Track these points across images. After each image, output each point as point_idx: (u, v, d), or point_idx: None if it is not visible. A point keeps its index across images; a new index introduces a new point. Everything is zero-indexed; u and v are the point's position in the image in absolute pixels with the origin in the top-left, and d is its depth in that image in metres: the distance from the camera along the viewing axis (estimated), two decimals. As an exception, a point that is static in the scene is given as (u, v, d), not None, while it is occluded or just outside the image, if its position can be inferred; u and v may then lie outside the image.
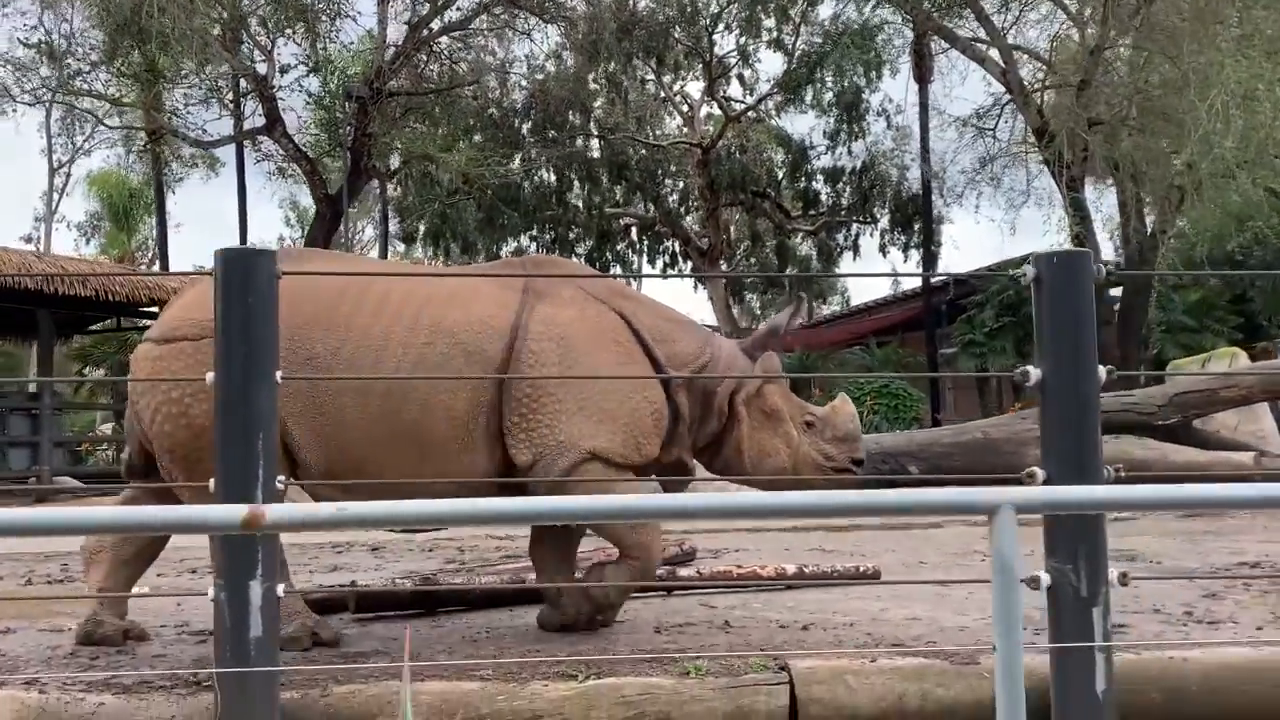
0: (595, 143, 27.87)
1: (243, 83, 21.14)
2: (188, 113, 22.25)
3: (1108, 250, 20.65)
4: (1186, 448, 9.01)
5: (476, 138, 24.33)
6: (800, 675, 3.21)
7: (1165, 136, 16.76)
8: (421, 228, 27.36)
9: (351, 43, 22.46)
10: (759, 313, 38.22)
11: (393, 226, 26.84)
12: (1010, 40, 19.52)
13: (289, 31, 21.55)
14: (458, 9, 22.21)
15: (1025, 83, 18.61)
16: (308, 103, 22.52)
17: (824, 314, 34.77)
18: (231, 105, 21.62)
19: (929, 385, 21.09)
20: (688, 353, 4.43)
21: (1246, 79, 14.60)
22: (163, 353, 4.09)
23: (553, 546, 4.46)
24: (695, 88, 28.77)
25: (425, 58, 23.11)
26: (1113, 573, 2.79)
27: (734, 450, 4.47)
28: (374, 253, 32.08)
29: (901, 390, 19.91)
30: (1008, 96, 19.38)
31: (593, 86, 25.07)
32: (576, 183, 27.79)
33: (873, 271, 33.47)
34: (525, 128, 24.60)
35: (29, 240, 41.55)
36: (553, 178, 27.59)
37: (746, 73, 27.86)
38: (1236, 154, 14.98)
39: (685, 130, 29.18)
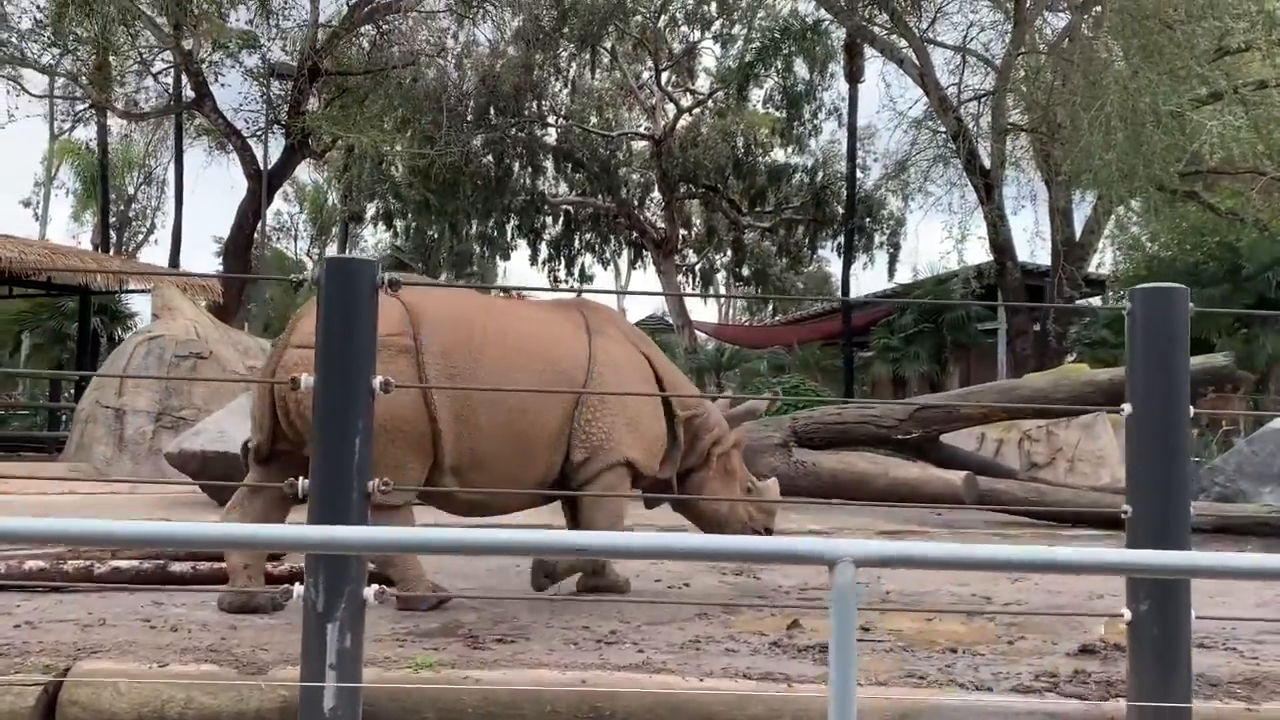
0: (552, 131, 27.88)
1: (173, 56, 21.21)
2: (126, 83, 22.47)
3: (1025, 254, 20.39)
4: (909, 462, 8.92)
5: (426, 121, 24.35)
6: (73, 677, 3.20)
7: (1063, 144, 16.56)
8: (370, 207, 27.50)
9: (290, 22, 22.45)
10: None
11: (336, 203, 26.88)
12: (945, 40, 19.39)
13: (241, 6, 21.72)
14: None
15: (940, 86, 18.37)
16: (244, 79, 22.62)
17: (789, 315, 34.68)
18: (160, 79, 21.72)
19: (843, 387, 21.00)
20: (689, 401, 5.78)
21: (1133, 93, 14.39)
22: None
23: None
24: (662, 78, 28.71)
25: (365, 38, 23.21)
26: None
27: (696, 485, 5.78)
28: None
29: (810, 391, 19.84)
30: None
31: (537, 74, 24.89)
32: (532, 170, 27.72)
33: (800, 295, 33.16)
34: (470, 112, 24.46)
35: (27, 205, 42.32)
36: (515, 164, 27.60)
37: (699, 65, 27.87)
38: (1123, 166, 14.78)
39: (647, 123, 29.10)
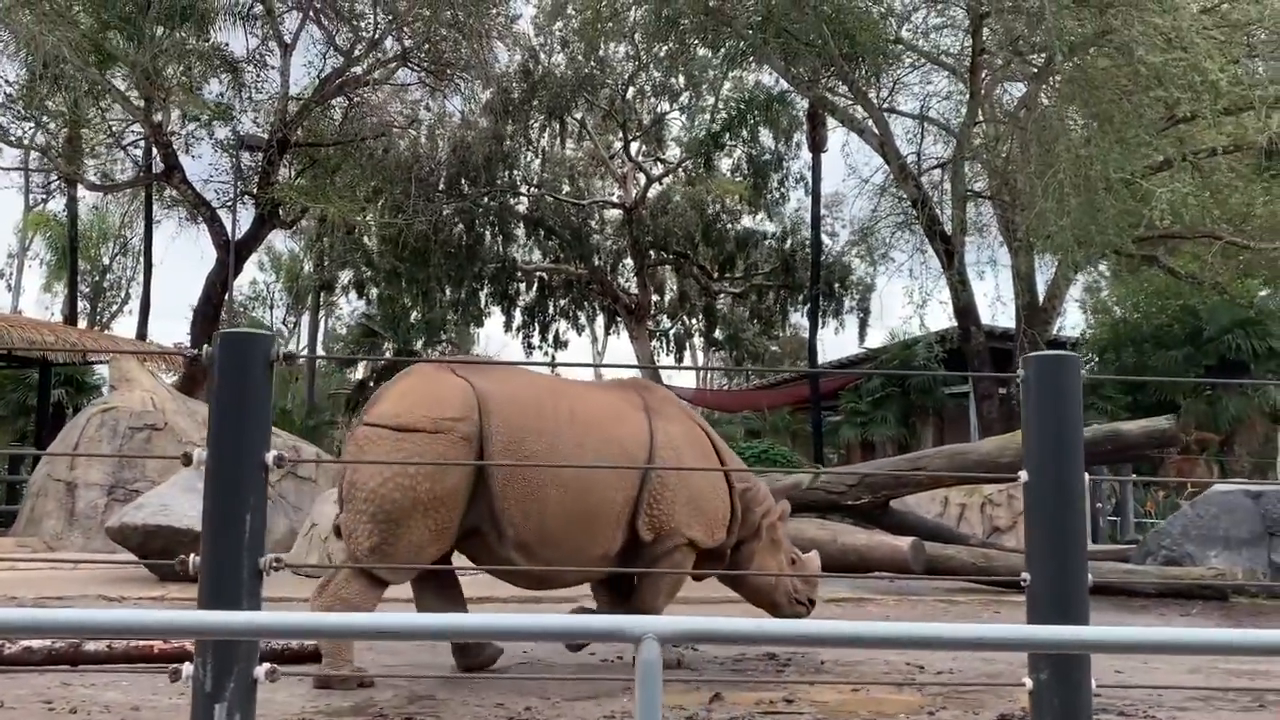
0: (524, 199, 28.15)
1: (143, 129, 21.39)
2: (97, 155, 22.60)
3: (989, 318, 20.55)
4: (858, 529, 8.88)
5: (398, 191, 24.56)
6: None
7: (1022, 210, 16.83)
8: (343, 276, 27.56)
9: (262, 94, 22.72)
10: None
11: (310, 271, 26.92)
12: (905, 109, 19.79)
13: (213, 80, 22.00)
14: (368, 64, 22.59)
15: (900, 154, 18.69)
16: (215, 150, 22.79)
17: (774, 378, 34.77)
18: (130, 151, 21.86)
19: (813, 451, 20.99)
20: (746, 477, 6.09)
21: (1085, 160, 14.67)
22: (400, 439, 5.18)
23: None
24: (633, 148, 29.13)
25: (337, 109, 23.51)
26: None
27: (746, 556, 6.01)
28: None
29: (780, 456, 19.82)
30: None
31: (508, 145, 25.21)
32: (503, 238, 27.91)
33: (766, 363, 33.33)
34: (441, 182, 24.70)
35: (0, 276, 42.18)
36: (486, 232, 27.78)
37: (668, 135, 28.29)
38: (1078, 232, 15.01)
39: (619, 191, 29.44)
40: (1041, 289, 20.65)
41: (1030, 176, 15.36)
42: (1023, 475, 3.62)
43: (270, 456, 3.25)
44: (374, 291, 28.79)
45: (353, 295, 29.39)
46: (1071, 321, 30.07)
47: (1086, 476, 3.72)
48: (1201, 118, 14.86)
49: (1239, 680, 5.27)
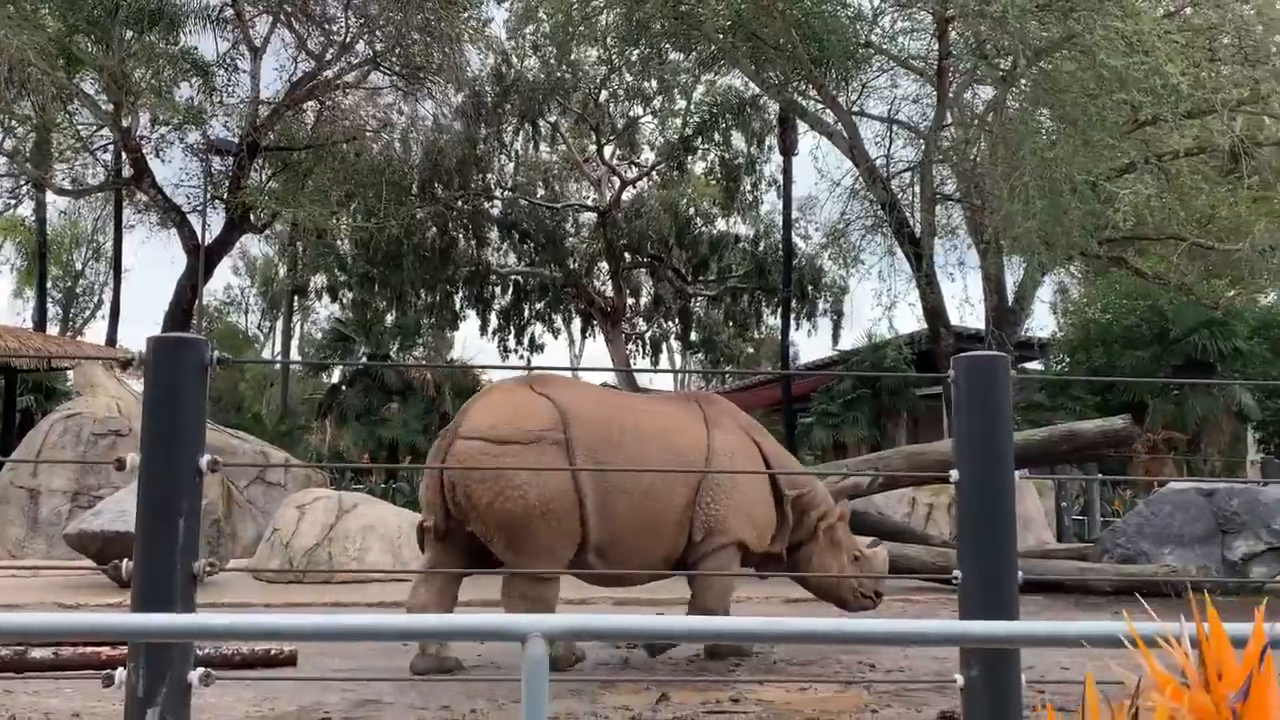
0: (498, 203, 28.11)
1: (111, 133, 21.24)
2: (66, 159, 22.44)
3: (959, 319, 20.67)
4: None
5: (370, 195, 24.48)
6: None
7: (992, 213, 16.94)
8: (315, 280, 27.46)
9: (234, 98, 22.60)
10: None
11: (284, 275, 26.79)
12: (875, 112, 19.89)
13: (183, 84, 21.86)
14: (339, 68, 22.53)
15: (870, 158, 18.79)
16: (185, 154, 22.67)
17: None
18: (100, 155, 21.71)
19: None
20: (798, 480, 6.48)
21: (1050, 163, 14.79)
22: (500, 452, 5.66)
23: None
24: (607, 151, 29.16)
25: (310, 113, 23.43)
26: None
27: (805, 558, 6.43)
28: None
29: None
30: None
31: (481, 149, 25.19)
32: (477, 241, 27.87)
33: (743, 365, 33.45)
34: (414, 186, 24.64)
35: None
36: (460, 236, 27.74)
37: (641, 139, 28.33)
38: (1044, 233, 15.14)
39: (594, 195, 29.45)
40: (1011, 291, 20.80)
41: (997, 179, 15.49)
42: (953, 474, 3.68)
43: (204, 461, 3.27)
44: (348, 296, 28.74)
45: (327, 299, 29.35)
46: (1044, 323, 30.30)
47: (1017, 475, 3.78)
48: (1164, 121, 15.02)
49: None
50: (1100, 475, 16.02)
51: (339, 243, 25.47)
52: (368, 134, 24.32)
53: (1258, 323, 23.59)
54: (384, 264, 24.39)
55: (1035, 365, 26.71)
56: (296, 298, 29.24)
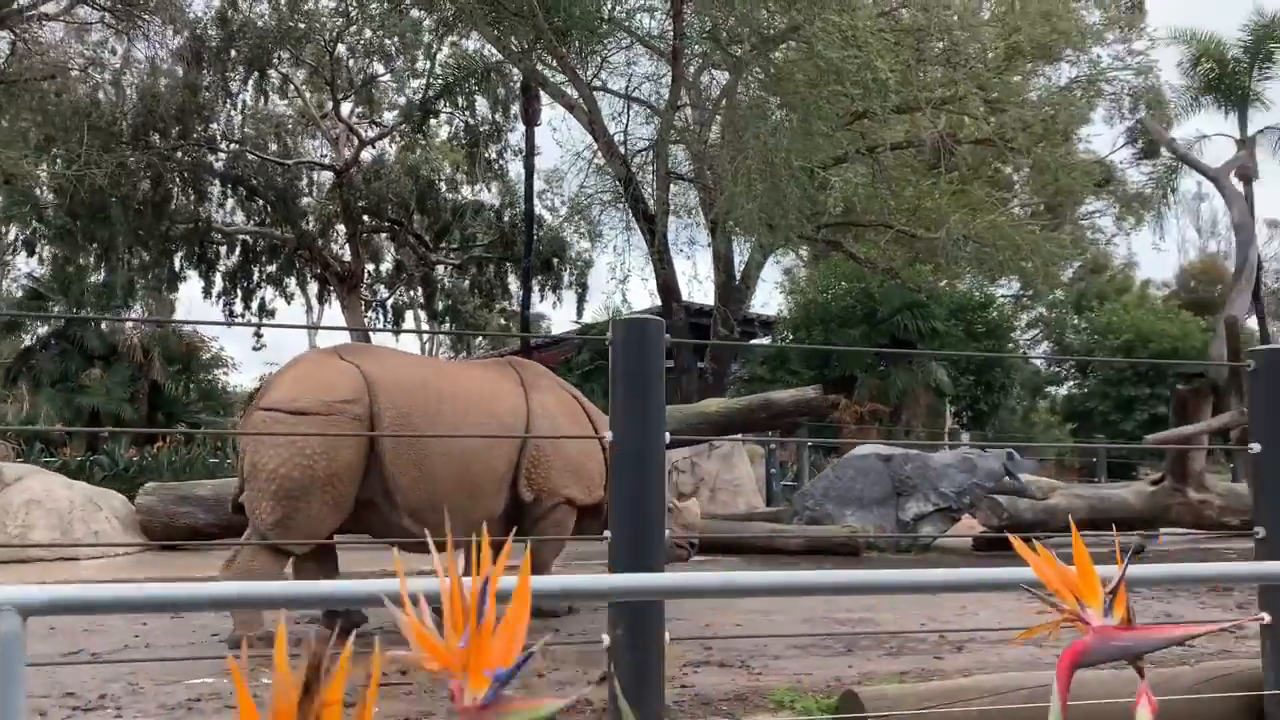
0: (223, 156, 26.29)
1: None
2: None
3: (690, 295, 21.44)
4: None
5: (73, 140, 22.23)
6: None
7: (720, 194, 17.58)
8: (10, 231, 24.72)
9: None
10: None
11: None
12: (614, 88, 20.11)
13: None
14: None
15: (608, 133, 19.01)
16: None
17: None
18: None
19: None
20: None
21: (771, 149, 15.50)
22: (295, 422, 5.66)
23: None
24: (345, 109, 27.89)
25: (3, 43, 21.03)
26: None
27: None
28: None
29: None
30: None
31: (205, 96, 23.46)
32: (196, 196, 25.96)
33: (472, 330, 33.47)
34: (125, 133, 22.61)
35: None
36: (179, 189, 25.71)
37: (386, 99, 27.39)
38: (764, 215, 15.87)
39: (332, 154, 28.15)
40: (739, 270, 21.74)
41: (725, 161, 16.06)
42: (608, 435, 3.73)
43: None
44: (47, 252, 26.08)
45: (23, 255, 26.49)
46: (774, 300, 31.90)
47: (667, 436, 3.87)
48: (873, 114, 16.06)
49: (840, 628, 5.73)
50: (809, 440, 17.06)
51: (37, 191, 23.04)
52: (73, 73, 22.14)
53: (955, 306, 25.91)
54: (88, 216, 22.26)
55: (764, 340, 28.12)
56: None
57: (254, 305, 30.04)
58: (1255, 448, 4.02)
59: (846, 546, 8.63)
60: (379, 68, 25.47)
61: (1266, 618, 3.88)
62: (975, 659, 4.89)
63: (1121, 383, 28.33)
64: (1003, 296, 31.31)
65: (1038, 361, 34.93)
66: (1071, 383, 34.49)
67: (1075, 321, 35.42)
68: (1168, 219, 30.75)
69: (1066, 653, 1.07)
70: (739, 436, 10.96)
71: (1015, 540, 1.18)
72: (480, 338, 34.64)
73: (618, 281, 19.87)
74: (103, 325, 21.51)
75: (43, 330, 22.68)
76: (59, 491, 8.88)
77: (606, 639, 3.63)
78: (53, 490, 8.86)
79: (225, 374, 33.73)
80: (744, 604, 6.06)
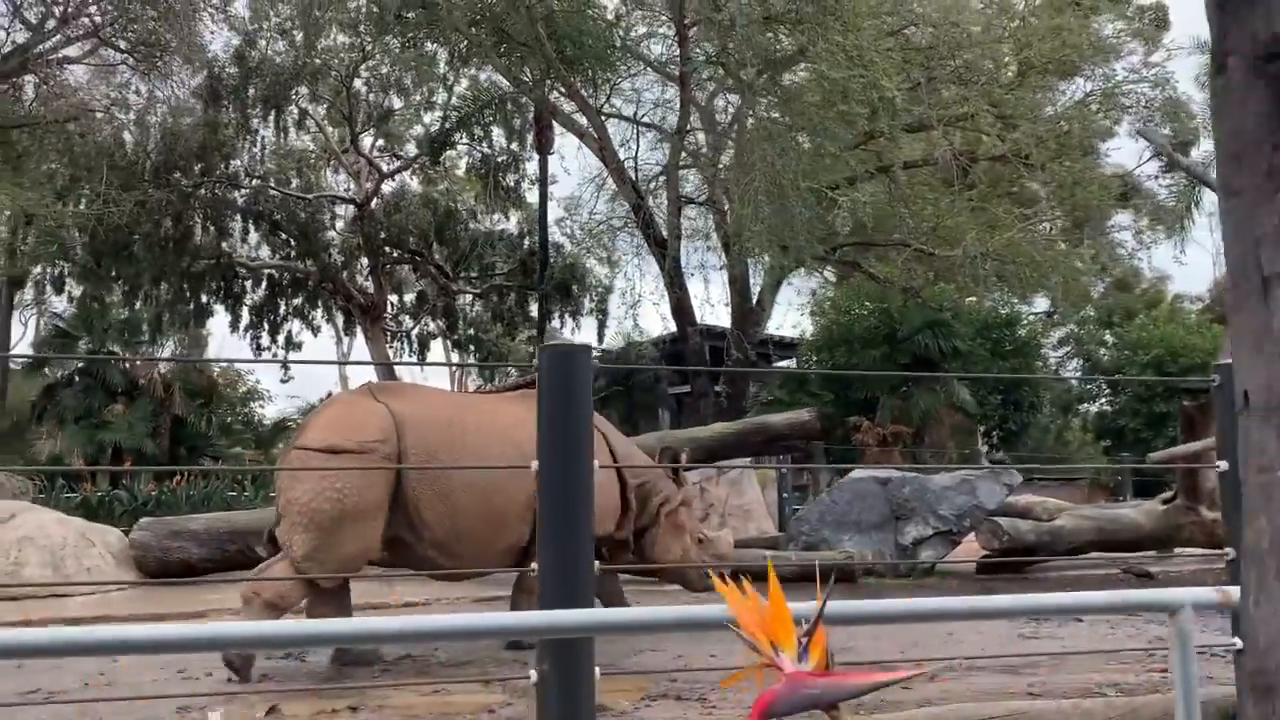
0: (245, 192, 26.62)
1: None
2: None
3: (706, 319, 21.31)
4: None
5: (97, 180, 22.59)
6: None
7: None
8: (36, 271, 25.16)
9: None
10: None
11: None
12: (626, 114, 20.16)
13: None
14: (59, 40, 20.78)
15: (619, 159, 19.03)
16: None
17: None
18: None
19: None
20: (643, 471, 6.77)
21: (779, 171, 15.41)
22: (328, 460, 5.84)
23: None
24: (365, 143, 28.17)
25: (30, 87, 21.51)
26: None
27: (649, 543, 6.73)
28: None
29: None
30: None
31: (224, 133, 23.80)
32: (217, 231, 26.25)
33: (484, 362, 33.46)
34: (147, 171, 22.94)
35: None
36: (196, 226, 26.01)
37: (407, 132, 27.65)
38: (773, 237, 15.75)
39: (353, 187, 28.42)
40: (756, 292, 21.61)
41: (734, 184, 15.98)
42: (534, 465, 3.63)
43: None
44: (76, 290, 26.46)
45: (50, 292, 26.91)
46: (801, 322, 31.63)
47: (596, 464, 3.77)
48: (881, 133, 15.93)
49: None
50: (828, 465, 16.84)
51: (64, 231, 23.44)
52: (96, 114, 22.54)
53: (981, 324, 25.56)
54: (112, 254, 22.58)
55: (786, 363, 27.90)
56: (18, 290, 26.69)
57: (280, 338, 30.34)
58: (1222, 465, 3.89)
59: (842, 573, 8.43)
60: (396, 101, 25.74)
61: (534, 676, 3.78)
62: (945, 688, 4.72)
63: (1153, 399, 27.78)
64: (1032, 314, 30.88)
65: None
66: (1103, 399, 33.88)
67: (1106, 338, 34.86)
68: (1193, 232, 30.23)
69: (757, 703, 0.97)
70: (743, 461, 10.81)
71: (716, 579, 1.09)
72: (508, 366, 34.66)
73: (628, 306, 19.81)
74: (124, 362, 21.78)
75: (66, 368, 23.02)
76: (52, 528, 8.93)
77: (534, 675, 3.52)
78: (46, 527, 8.91)
79: (261, 407, 34.10)
80: (717, 635, 5.91)
